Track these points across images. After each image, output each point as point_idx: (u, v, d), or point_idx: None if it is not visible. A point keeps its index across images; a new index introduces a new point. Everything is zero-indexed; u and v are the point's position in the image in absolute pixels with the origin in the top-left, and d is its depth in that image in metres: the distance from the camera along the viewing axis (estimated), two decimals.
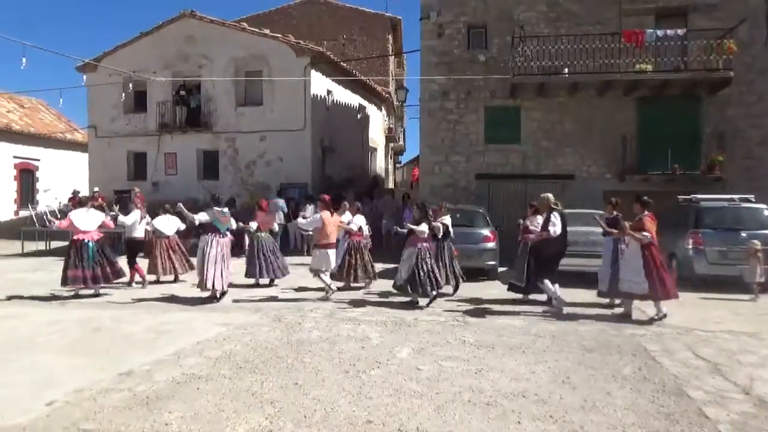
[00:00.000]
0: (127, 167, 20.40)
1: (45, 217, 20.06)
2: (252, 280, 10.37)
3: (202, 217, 8.81)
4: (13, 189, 22.81)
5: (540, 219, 8.55)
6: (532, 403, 4.41)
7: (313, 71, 18.87)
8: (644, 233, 7.42)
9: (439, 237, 9.06)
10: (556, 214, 8.00)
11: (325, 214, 9.06)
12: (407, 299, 8.64)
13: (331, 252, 9.06)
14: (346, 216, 9.96)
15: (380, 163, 29.87)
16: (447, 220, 9.43)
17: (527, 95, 15.70)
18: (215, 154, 19.64)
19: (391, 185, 31.68)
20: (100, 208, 8.86)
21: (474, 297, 9.31)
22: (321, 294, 9.11)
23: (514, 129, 16.02)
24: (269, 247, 10.37)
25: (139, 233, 10.60)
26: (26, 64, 11.26)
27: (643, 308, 7.94)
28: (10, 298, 9.26)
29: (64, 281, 9.01)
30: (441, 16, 16.26)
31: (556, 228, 7.89)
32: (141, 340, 6.41)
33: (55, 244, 16.34)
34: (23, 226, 17.77)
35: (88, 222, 9.22)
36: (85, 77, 18.26)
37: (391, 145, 34.33)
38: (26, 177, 23.94)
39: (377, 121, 29.03)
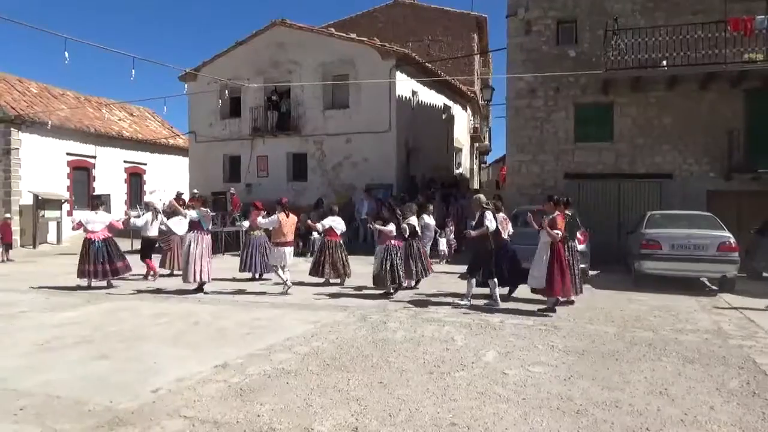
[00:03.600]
0: (223, 170, 21.56)
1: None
2: (247, 274, 11.55)
3: (193, 214, 9.72)
4: (123, 191, 24.73)
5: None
6: (626, 414, 4.20)
7: (398, 73, 19.02)
8: (556, 231, 7.81)
9: (406, 236, 9.68)
10: (488, 213, 8.38)
11: (282, 215, 9.68)
12: (381, 291, 9.35)
13: (288, 249, 9.70)
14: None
15: (465, 163, 29.58)
16: (413, 221, 10.03)
17: (621, 90, 14.97)
18: (304, 157, 20.30)
19: (476, 185, 31.29)
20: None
21: (562, 301, 8.99)
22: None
23: (606, 126, 15.32)
24: (260, 244, 11.28)
25: (152, 233, 11.81)
26: (135, 75, 12.27)
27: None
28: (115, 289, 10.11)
29: (80, 274, 10.28)
30: (529, 12, 15.86)
31: (491, 224, 8.29)
32: (235, 335, 6.75)
33: None
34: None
35: (96, 223, 10.46)
36: (186, 86, 19.46)
37: (477, 145, 33.90)
38: (135, 180, 25.89)
39: (462, 121, 28.77)
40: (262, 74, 20.31)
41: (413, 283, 10.23)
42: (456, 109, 26.77)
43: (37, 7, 68.73)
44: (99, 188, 22.93)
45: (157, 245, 12.23)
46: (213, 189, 20.33)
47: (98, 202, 11.74)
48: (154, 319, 7.71)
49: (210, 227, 10.09)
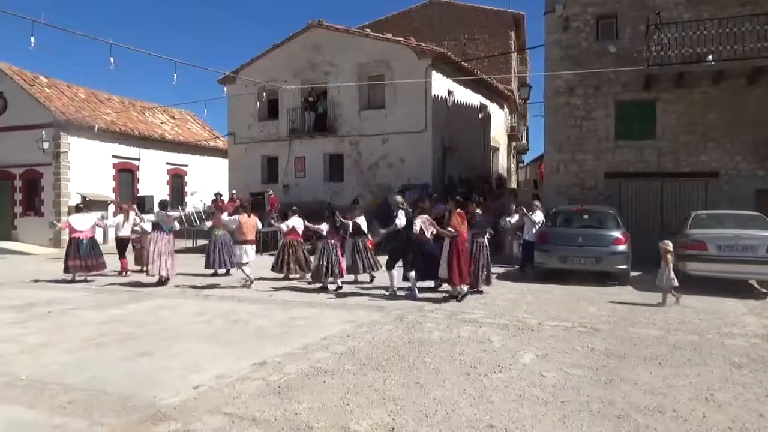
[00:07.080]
0: (261, 171, 21.88)
1: (192, 217, 22.19)
2: (211, 270, 12.20)
3: (151, 218, 10.99)
4: (166, 192, 25.36)
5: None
6: (670, 420, 4.08)
7: (434, 72, 18.93)
8: (449, 229, 8.83)
9: (349, 233, 10.45)
10: (401, 212, 9.87)
11: (243, 216, 10.99)
12: (318, 285, 10.17)
13: (249, 247, 10.90)
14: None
15: (502, 162, 29.25)
16: (361, 220, 10.59)
17: (664, 87, 14.54)
18: (340, 158, 20.41)
19: (513, 185, 30.90)
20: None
21: (604, 303, 8.81)
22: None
23: (649, 124, 14.90)
24: (225, 242, 11.91)
25: (124, 233, 13.09)
26: (176, 79, 12.65)
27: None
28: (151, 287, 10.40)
29: (66, 270, 11.43)
30: (567, 8, 15.57)
31: (401, 221, 9.70)
32: (273, 334, 6.85)
33: (201, 242, 17.96)
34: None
35: (83, 224, 11.82)
36: (225, 89, 19.81)
37: (514, 144, 33.47)
38: (177, 181, 26.55)
39: (499, 120, 28.45)
40: (299, 76, 20.53)
41: (368, 278, 10.86)
42: (493, 108, 26.49)
43: (85, 16, 71.28)
44: (142, 189, 23.62)
45: (130, 244, 13.25)
46: (252, 190, 20.67)
47: (81, 206, 13.17)
48: (194, 317, 7.90)
49: (170, 229, 11.09)
